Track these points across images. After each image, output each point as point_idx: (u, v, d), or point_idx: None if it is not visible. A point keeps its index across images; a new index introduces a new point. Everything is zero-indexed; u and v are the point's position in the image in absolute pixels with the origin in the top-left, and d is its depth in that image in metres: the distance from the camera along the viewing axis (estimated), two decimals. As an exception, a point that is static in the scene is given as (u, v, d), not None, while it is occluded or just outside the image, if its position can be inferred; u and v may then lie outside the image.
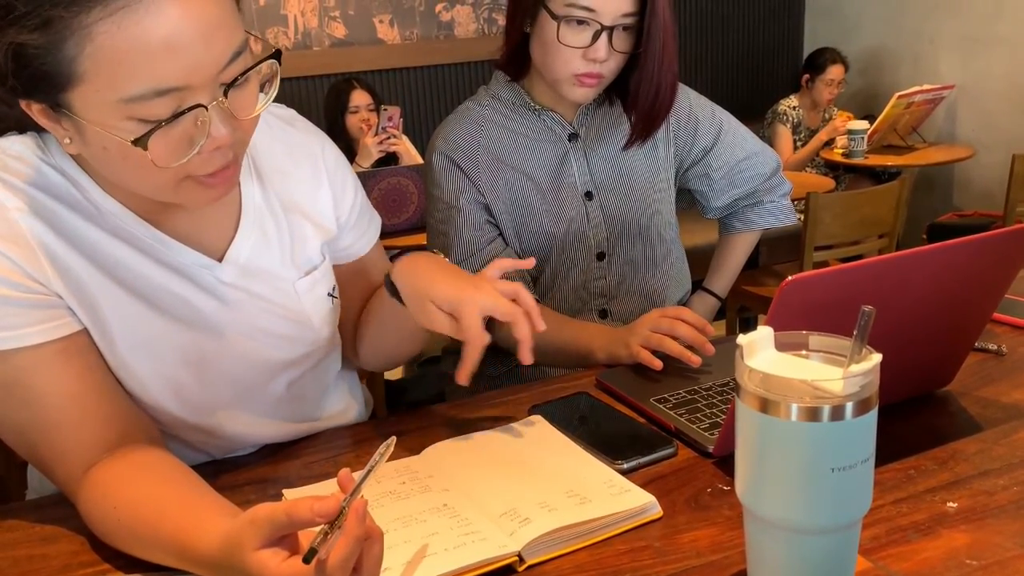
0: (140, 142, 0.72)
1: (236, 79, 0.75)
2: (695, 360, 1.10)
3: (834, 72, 3.97)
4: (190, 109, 0.73)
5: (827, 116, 4.08)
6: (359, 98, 3.29)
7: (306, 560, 0.61)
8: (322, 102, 3.76)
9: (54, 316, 0.82)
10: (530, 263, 1.03)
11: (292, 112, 1.04)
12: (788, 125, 3.99)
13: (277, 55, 0.79)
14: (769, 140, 3.99)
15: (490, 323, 1.31)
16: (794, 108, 4.02)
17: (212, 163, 0.78)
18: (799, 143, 4.00)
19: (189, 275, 0.90)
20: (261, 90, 0.80)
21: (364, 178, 2.72)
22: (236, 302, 0.93)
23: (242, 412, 0.98)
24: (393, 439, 0.72)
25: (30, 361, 0.81)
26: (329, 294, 1.02)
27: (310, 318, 0.99)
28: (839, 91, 4.04)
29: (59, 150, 0.83)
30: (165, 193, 0.80)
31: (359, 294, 1.11)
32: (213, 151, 0.77)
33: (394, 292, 0.97)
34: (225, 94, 0.75)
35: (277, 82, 0.80)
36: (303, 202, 0.99)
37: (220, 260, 0.91)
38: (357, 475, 0.67)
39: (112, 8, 0.67)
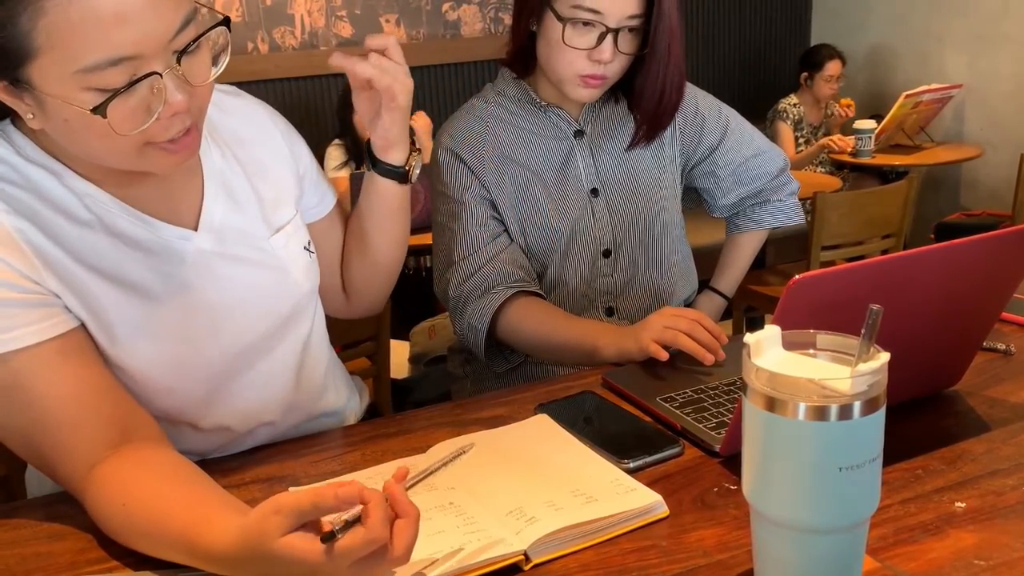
0: (98, 110, 0.75)
1: (188, 46, 0.78)
2: (709, 358, 1.10)
3: (832, 68, 3.97)
4: (145, 77, 0.75)
5: (829, 112, 4.07)
6: None
7: (324, 541, 0.62)
8: (328, 101, 3.77)
9: (49, 315, 0.83)
10: None
11: (234, 87, 1.08)
12: (789, 122, 3.98)
13: (226, 22, 0.82)
14: (771, 138, 3.98)
15: (493, 321, 1.31)
16: (794, 106, 4.01)
17: (171, 129, 0.81)
18: (801, 139, 3.99)
19: (170, 251, 0.92)
20: (214, 63, 0.83)
21: (370, 177, 2.72)
22: (218, 269, 0.95)
23: (247, 386, 0.99)
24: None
25: (28, 362, 0.81)
26: (305, 248, 1.05)
27: (290, 271, 1.02)
28: (839, 85, 4.02)
29: (25, 140, 0.85)
30: (129, 160, 0.83)
31: (333, 250, 1.17)
32: (171, 117, 0.80)
33: (378, 164, 1.06)
34: (178, 61, 0.77)
35: (228, 51, 0.83)
36: (264, 163, 1.03)
37: (195, 229, 0.94)
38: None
39: None
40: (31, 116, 0.78)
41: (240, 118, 1.03)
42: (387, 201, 1.09)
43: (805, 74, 4.03)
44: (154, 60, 0.76)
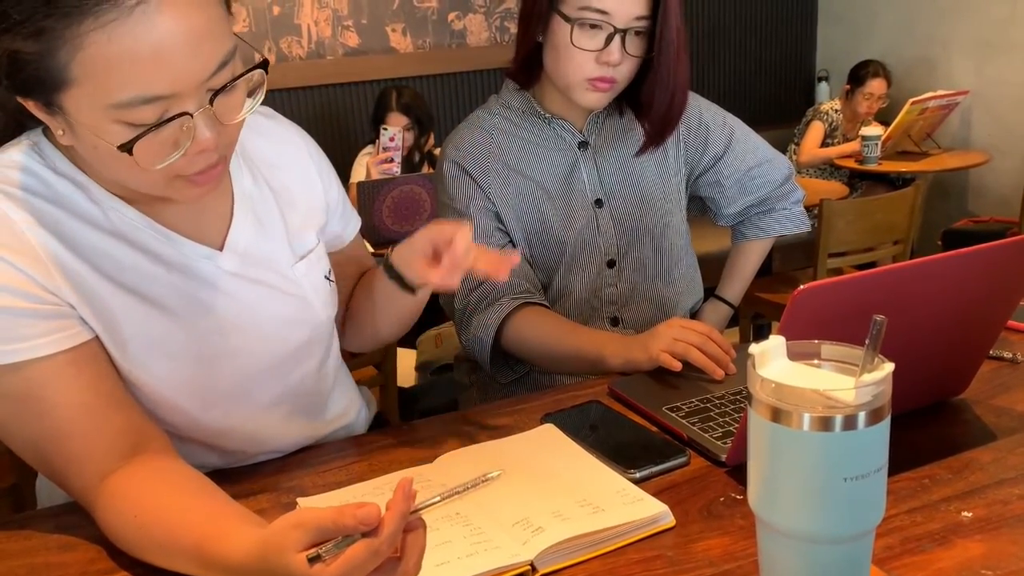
0: (125, 147, 0.75)
1: (223, 87, 0.78)
2: (719, 373, 1.10)
3: (873, 86, 3.88)
4: (176, 116, 0.75)
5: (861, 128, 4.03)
6: (394, 121, 3.22)
7: (310, 561, 0.62)
8: (335, 110, 3.79)
9: (65, 326, 0.83)
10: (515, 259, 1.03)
11: (270, 109, 1.07)
12: (826, 124, 3.96)
13: (264, 65, 0.82)
14: (803, 134, 3.97)
15: (498, 332, 1.31)
16: (836, 111, 3.98)
17: (196, 164, 0.81)
18: (831, 144, 3.96)
19: (193, 269, 0.92)
20: (250, 96, 0.83)
21: (377, 186, 2.73)
22: (240, 291, 0.95)
23: (256, 409, 0.99)
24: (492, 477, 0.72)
25: (42, 372, 0.82)
26: (326, 277, 1.05)
27: (311, 300, 1.02)
28: (880, 106, 3.93)
29: (55, 153, 0.86)
30: (156, 189, 0.83)
31: (346, 282, 1.17)
32: (198, 154, 0.80)
33: (393, 274, 1.03)
34: (211, 101, 0.77)
35: (264, 90, 0.83)
36: (294, 190, 1.03)
37: (221, 249, 0.94)
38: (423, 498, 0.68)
39: (103, 20, 0.70)
40: (61, 133, 0.79)
41: (273, 142, 1.03)
42: (407, 307, 1.09)
43: (848, 87, 3.97)
44: (188, 100, 0.76)
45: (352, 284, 1.19)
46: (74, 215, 0.86)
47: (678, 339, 1.13)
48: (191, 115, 0.76)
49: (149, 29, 0.71)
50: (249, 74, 0.80)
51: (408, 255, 1.02)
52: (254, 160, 1.00)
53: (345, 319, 1.20)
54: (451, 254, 0.94)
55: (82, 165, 0.86)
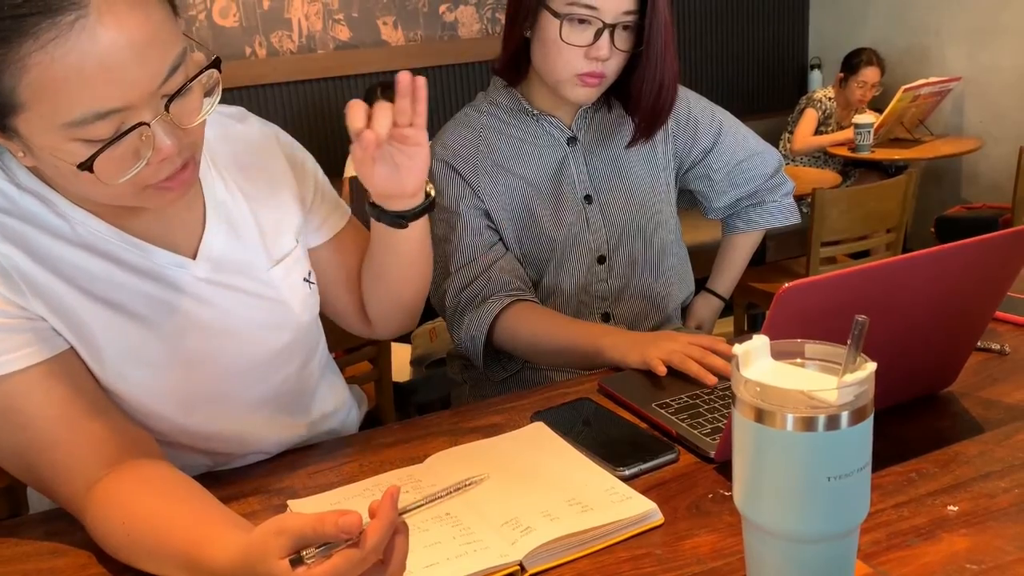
0: (84, 166, 0.74)
1: (178, 91, 0.76)
2: (712, 379, 1.08)
3: (867, 74, 3.88)
4: (133, 128, 0.74)
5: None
6: None
7: (292, 564, 0.62)
8: (327, 104, 3.78)
9: (38, 338, 0.83)
10: None
11: (241, 109, 1.06)
12: (819, 112, 3.95)
13: (216, 64, 0.80)
14: (796, 122, 3.97)
15: (490, 330, 1.31)
16: (829, 99, 3.97)
17: (162, 172, 0.80)
18: (825, 132, 3.96)
19: (165, 277, 0.91)
20: (208, 95, 0.81)
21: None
22: (214, 298, 0.94)
23: (238, 412, 0.99)
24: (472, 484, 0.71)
25: (19, 386, 0.82)
26: (305, 279, 1.04)
27: (288, 303, 1.01)
28: (873, 93, 3.92)
29: (19, 168, 0.85)
30: (126, 201, 0.83)
31: (346, 270, 1.13)
32: (161, 162, 0.78)
33: (376, 210, 0.99)
34: (167, 107, 0.76)
35: (220, 88, 0.82)
36: (267, 192, 1.02)
37: (193, 258, 0.93)
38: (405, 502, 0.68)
39: (43, 40, 0.68)
40: (22, 155, 0.78)
41: (244, 145, 1.01)
42: (408, 248, 1.04)
43: (841, 75, 3.96)
44: (142, 110, 0.74)
45: (350, 273, 1.13)
46: (41, 229, 0.85)
47: (677, 351, 1.12)
48: (148, 124, 0.75)
49: (92, 43, 0.69)
50: (203, 75, 0.79)
51: (367, 178, 0.96)
52: (225, 166, 0.99)
53: (365, 306, 1.14)
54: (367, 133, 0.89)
55: (48, 180, 0.85)
